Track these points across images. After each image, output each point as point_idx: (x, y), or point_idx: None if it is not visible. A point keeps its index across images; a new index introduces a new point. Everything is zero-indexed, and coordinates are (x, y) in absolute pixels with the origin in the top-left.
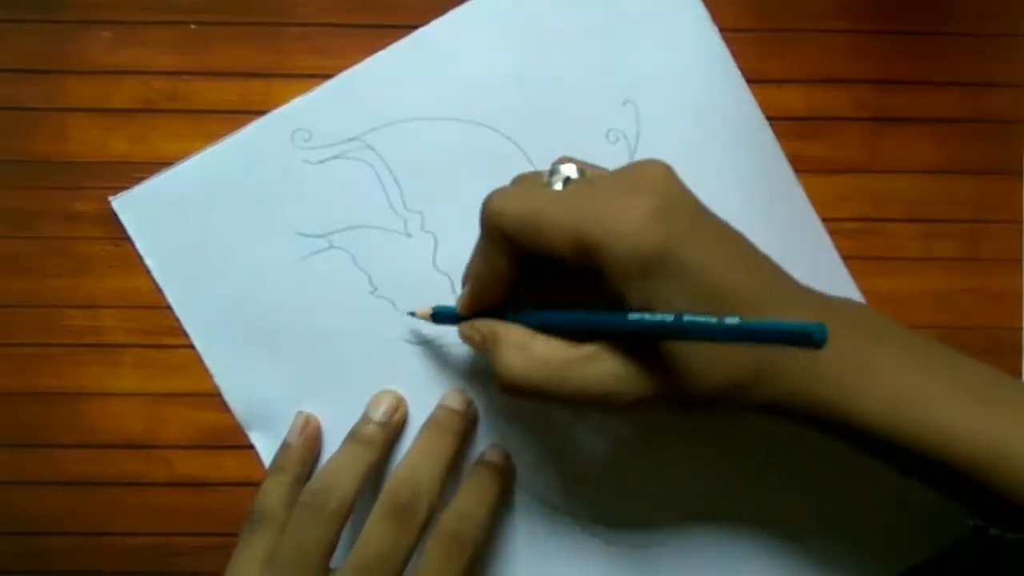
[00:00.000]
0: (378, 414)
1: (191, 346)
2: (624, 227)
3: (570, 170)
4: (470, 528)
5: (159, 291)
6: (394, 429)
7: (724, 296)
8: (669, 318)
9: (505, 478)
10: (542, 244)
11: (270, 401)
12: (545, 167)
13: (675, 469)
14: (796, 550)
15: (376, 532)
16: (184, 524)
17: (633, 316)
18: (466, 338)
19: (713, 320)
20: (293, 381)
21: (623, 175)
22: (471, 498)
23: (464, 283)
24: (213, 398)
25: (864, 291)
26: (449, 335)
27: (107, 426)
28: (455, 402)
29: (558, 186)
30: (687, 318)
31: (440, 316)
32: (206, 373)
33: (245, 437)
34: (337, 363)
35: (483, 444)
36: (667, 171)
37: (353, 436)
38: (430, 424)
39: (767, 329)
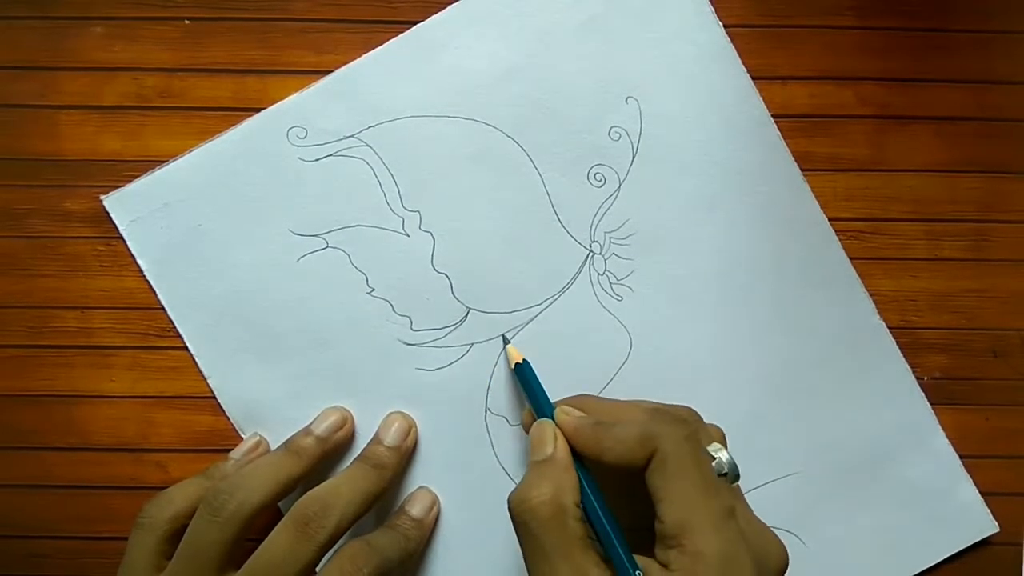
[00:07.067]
0: (320, 428)
1: (184, 348)
2: None
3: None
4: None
5: (152, 292)
6: (331, 446)
7: None
8: None
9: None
10: None
11: (265, 403)
12: (546, 165)
13: None
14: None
15: (275, 540)
16: None
17: None
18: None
19: None
20: (289, 382)
21: None
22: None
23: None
24: (207, 400)
25: (870, 291)
26: (444, 338)
27: (99, 429)
28: (392, 438)
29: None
30: None
31: (523, 372)
32: (200, 375)
33: (240, 440)
34: (333, 364)
35: (474, 446)
36: None
37: (286, 444)
38: (362, 456)
39: None
